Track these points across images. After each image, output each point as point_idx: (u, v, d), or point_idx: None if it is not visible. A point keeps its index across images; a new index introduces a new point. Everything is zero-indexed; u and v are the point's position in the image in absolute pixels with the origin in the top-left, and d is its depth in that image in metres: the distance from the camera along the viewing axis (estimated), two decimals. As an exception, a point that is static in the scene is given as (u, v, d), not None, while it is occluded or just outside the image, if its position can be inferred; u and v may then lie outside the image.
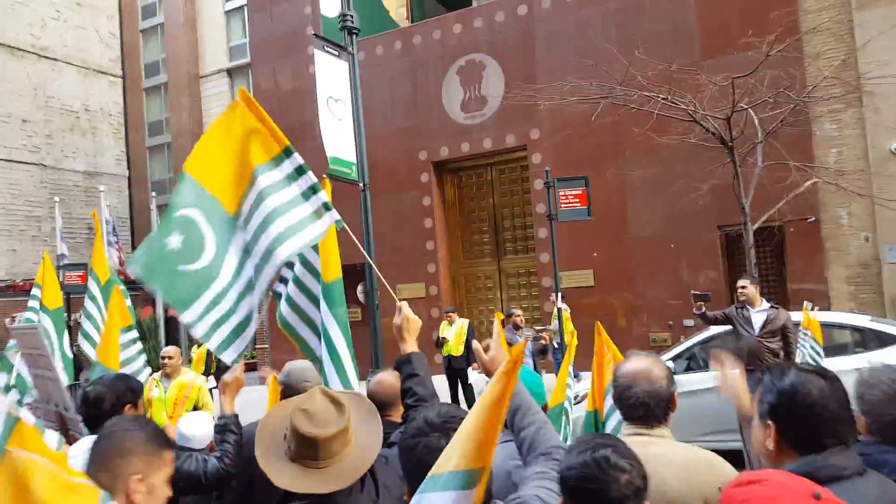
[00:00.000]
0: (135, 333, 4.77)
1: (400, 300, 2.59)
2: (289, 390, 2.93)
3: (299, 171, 2.82)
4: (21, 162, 26.44)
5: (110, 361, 4.17)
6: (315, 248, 3.08)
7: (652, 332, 13.79)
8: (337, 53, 12.00)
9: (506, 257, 16.94)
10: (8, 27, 26.27)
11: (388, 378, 3.02)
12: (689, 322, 12.68)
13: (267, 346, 18.94)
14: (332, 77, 11.97)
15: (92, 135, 29.05)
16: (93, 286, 5.37)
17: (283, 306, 3.31)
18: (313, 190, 2.82)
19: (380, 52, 17.35)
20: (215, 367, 13.04)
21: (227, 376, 2.83)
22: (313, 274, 3.18)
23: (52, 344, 4.96)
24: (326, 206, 2.85)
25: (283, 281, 3.36)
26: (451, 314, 11.22)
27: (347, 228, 2.96)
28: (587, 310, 13.46)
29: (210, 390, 13.21)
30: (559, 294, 10.85)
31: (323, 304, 3.06)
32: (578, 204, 10.22)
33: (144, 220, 26.51)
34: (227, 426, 2.76)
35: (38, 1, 27.38)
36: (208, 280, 2.83)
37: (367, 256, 3.48)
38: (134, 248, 26.86)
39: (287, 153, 2.83)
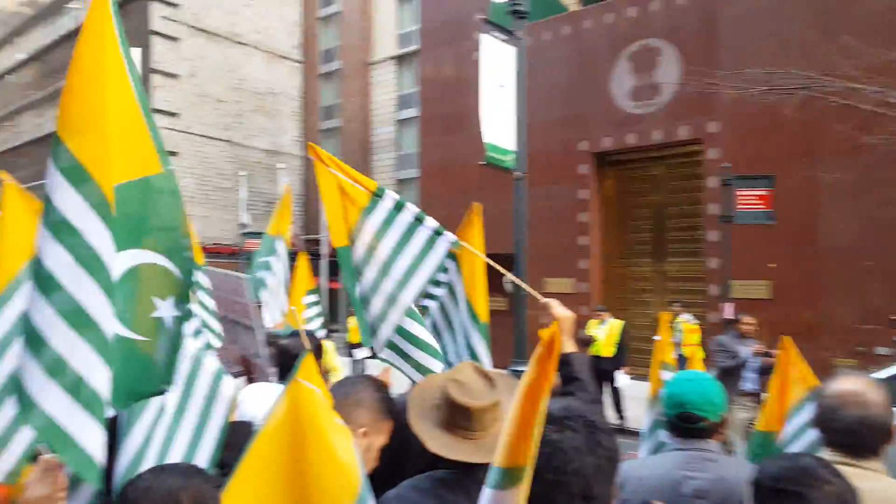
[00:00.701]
0: (315, 297, 5.13)
1: (543, 297, 2.42)
2: None
3: (398, 208, 2.72)
4: (214, 138, 29.32)
5: (292, 321, 4.56)
6: (458, 270, 3.00)
7: (835, 358, 12.10)
8: (505, 38, 11.73)
9: (668, 260, 15.79)
10: (208, 15, 29.08)
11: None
12: (883, 350, 10.95)
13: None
14: (497, 63, 11.72)
15: (274, 116, 31.47)
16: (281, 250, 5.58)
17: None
18: (419, 220, 2.72)
19: (547, 38, 16.80)
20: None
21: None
22: (452, 299, 3.10)
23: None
24: (438, 232, 2.74)
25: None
26: (602, 313, 10.78)
27: (472, 248, 2.80)
28: (759, 326, 12.09)
29: (361, 360, 13.75)
30: (730, 304, 9.81)
31: (480, 341, 2.98)
32: (761, 206, 9.11)
33: (316, 199, 28.25)
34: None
35: (235, -10, 30.08)
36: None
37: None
38: (306, 224, 28.79)
39: (379, 194, 2.73)
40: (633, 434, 7.59)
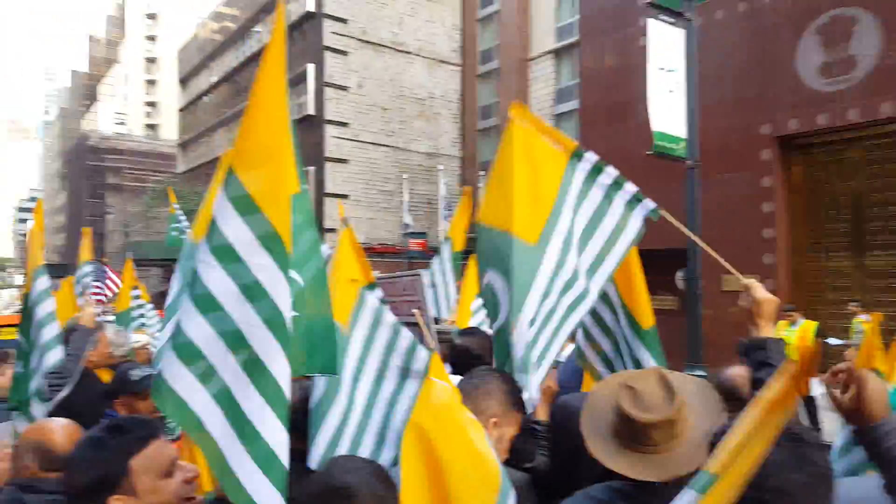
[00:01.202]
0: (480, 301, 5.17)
1: (745, 278, 2.19)
2: None
3: (597, 170, 2.49)
4: (379, 144, 30.86)
5: (462, 320, 4.62)
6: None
7: None
8: (673, 21, 11.07)
9: (871, 253, 13.99)
10: (374, 28, 30.65)
11: (742, 372, 2.52)
12: None
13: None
14: (664, 47, 11.10)
15: (434, 119, 32.45)
16: (445, 252, 5.69)
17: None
18: (618, 185, 2.49)
19: (719, 17, 15.62)
20: None
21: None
22: (607, 305, 2.77)
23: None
24: (637, 198, 2.49)
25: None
26: (792, 313, 9.79)
27: (666, 214, 2.51)
28: None
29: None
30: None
31: (644, 351, 2.66)
32: None
33: (474, 198, 28.68)
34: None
35: (398, 2, 31.37)
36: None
37: (695, 240, 2.90)
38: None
39: (578, 156, 2.50)
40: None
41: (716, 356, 10.94)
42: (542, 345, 2.41)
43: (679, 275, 13.73)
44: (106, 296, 6.62)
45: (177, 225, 6.23)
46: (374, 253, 27.74)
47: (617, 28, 18.40)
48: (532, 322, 2.38)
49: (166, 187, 40.55)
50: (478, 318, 4.91)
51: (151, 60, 70.88)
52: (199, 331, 1.61)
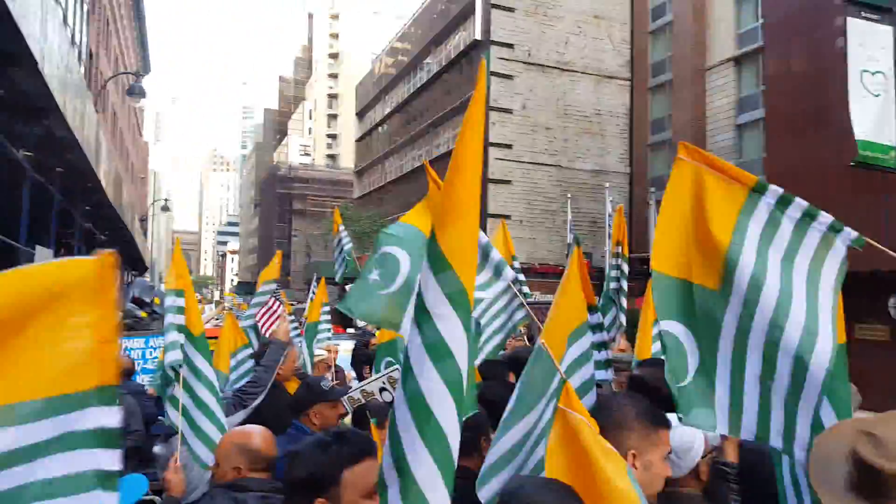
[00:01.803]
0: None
1: None
2: None
3: (784, 202, 2.23)
4: (542, 164, 31.03)
5: (644, 354, 4.26)
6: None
7: None
8: (878, 18, 10.11)
9: None
10: (539, 49, 31.06)
11: None
12: None
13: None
14: (868, 47, 10.15)
15: (600, 136, 32.02)
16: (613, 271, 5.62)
17: None
18: (810, 216, 2.21)
19: (935, 8, 13.93)
20: None
21: None
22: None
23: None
24: (834, 228, 2.19)
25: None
26: None
27: (871, 241, 2.21)
28: None
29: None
30: None
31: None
32: None
33: (642, 215, 27.78)
34: None
35: (564, 21, 31.56)
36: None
37: None
38: (632, 240, 28.47)
39: (759, 189, 2.25)
40: None
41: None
42: (754, 392, 2.20)
43: (891, 302, 12.32)
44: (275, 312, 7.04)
45: (341, 253, 6.48)
46: (535, 273, 27.81)
47: (807, 30, 17.07)
48: (733, 369, 2.22)
49: (343, 212, 43.81)
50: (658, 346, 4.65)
51: (333, 96, 77.35)
52: (398, 396, 1.65)
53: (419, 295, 1.65)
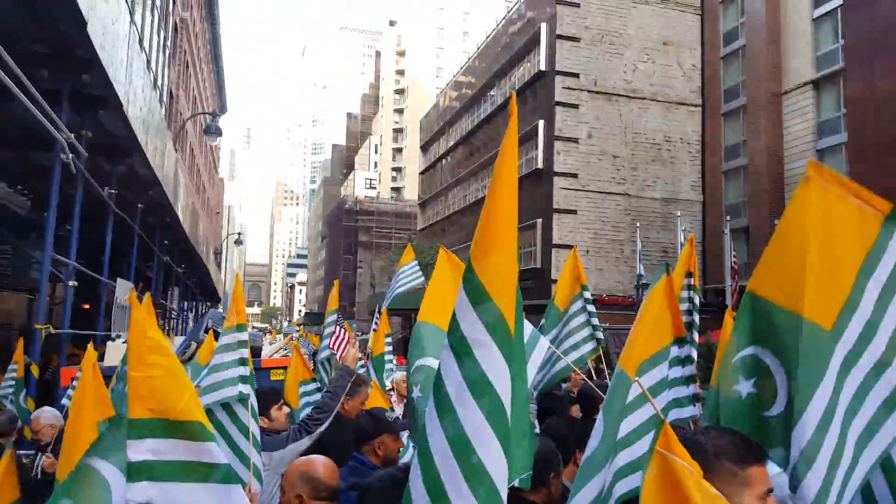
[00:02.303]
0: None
1: None
2: None
3: None
4: (610, 193, 30.50)
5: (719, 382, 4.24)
6: None
7: None
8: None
9: None
10: (606, 78, 30.81)
11: None
12: None
13: None
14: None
15: (671, 164, 31.27)
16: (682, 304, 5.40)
17: None
18: None
19: None
20: None
21: None
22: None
23: None
24: None
25: None
26: None
27: None
28: None
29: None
30: None
31: None
32: None
33: (717, 244, 26.82)
34: None
35: (631, 49, 31.27)
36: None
37: None
38: (705, 270, 27.50)
39: (894, 217, 2.01)
40: None
41: None
42: (832, 446, 1.98)
43: None
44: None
45: (406, 280, 6.67)
46: (603, 304, 27.07)
47: (891, 50, 16.24)
48: (823, 419, 1.99)
49: (406, 243, 44.39)
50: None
51: (398, 130, 79.19)
52: (435, 437, 1.62)
53: (453, 329, 1.65)
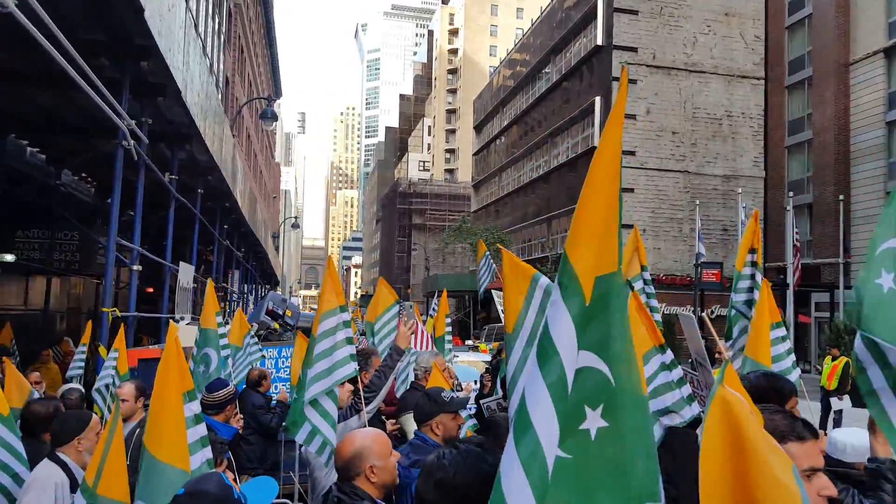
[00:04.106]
0: (783, 331, 4.41)
1: None
2: None
3: None
4: (668, 170, 29.66)
5: (760, 356, 4.01)
6: None
7: None
8: None
9: None
10: (665, 52, 29.82)
11: None
12: None
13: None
14: None
15: (732, 139, 30.14)
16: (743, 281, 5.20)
17: None
18: None
19: None
20: (836, 384, 11.73)
21: None
22: None
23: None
24: None
25: None
26: None
27: None
28: None
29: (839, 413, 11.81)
30: None
31: None
32: None
33: (778, 221, 25.80)
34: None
35: (692, 21, 30.13)
36: None
37: None
38: (766, 248, 26.52)
39: None
40: None
41: None
42: None
43: None
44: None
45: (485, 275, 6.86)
46: (660, 284, 26.49)
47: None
48: None
49: (461, 225, 44.30)
50: (780, 348, 4.20)
51: (451, 112, 78.89)
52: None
53: (546, 327, 1.51)
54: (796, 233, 21.42)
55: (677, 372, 2.61)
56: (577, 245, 1.53)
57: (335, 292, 3.66)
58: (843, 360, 11.95)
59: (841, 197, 23.20)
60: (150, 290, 14.78)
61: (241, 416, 4.79)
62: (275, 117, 17.30)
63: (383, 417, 4.44)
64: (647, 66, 29.59)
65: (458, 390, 5.65)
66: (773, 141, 29.34)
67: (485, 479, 1.62)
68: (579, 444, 1.45)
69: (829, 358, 12.30)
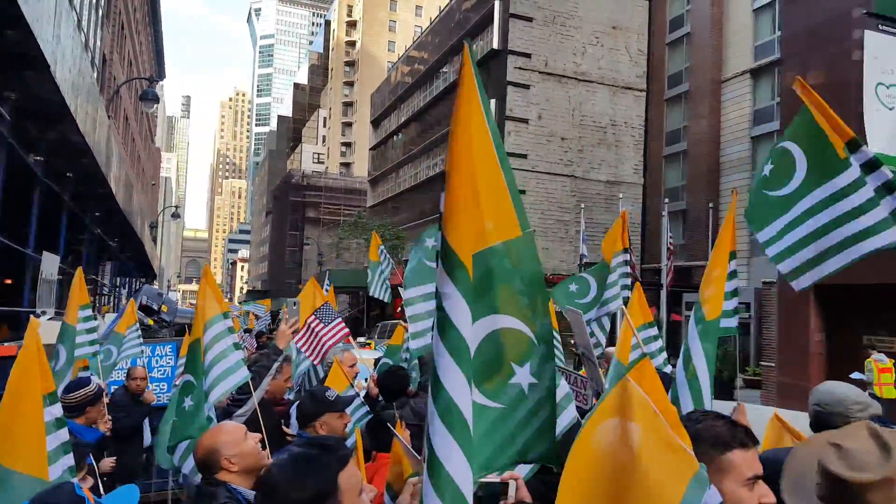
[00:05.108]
0: (654, 330, 4.73)
1: None
2: (823, 418, 2.56)
3: (871, 166, 2.54)
4: (557, 174, 30.90)
5: (623, 356, 4.30)
6: None
7: None
8: (895, 31, 9.92)
9: None
10: (556, 60, 31.00)
11: None
12: None
13: (773, 364, 17.23)
14: (884, 60, 9.98)
15: (616, 147, 31.85)
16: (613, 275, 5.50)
17: None
18: (888, 189, 2.48)
19: (958, 20, 13.72)
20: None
21: None
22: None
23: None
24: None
25: None
26: None
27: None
28: None
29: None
30: None
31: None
32: None
33: (655, 226, 27.58)
34: None
35: (582, 31, 31.50)
36: (787, 205, 2.88)
37: None
38: (644, 251, 28.29)
39: (852, 146, 2.60)
40: None
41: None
42: None
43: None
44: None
45: (382, 274, 6.58)
46: (547, 283, 27.49)
47: (825, 43, 16.88)
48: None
49: (356, 220, 43.84)
50: (652, 347, 4.49)
51: (348, 104, 77.83)
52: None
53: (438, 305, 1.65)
54: (670, 237, 22.94)
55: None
56: (451, 224, 1.64)
57: (216, 299, 3.54)
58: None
59: (711, 205, 25.14)
60: (9, 280, 13.52)
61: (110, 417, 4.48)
62: (156, 99, 16.36)
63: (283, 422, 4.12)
64: (540, 72, 30.64)
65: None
66: (652, 150, 31.30)
67: (316, 490, 1.58)
68: (511, 396, 1.69)
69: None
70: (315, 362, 5.00)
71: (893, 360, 12.45)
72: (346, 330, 4.98)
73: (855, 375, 11.96)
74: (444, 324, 1.60)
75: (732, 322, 3.01)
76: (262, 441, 2.46)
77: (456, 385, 1.57)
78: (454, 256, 1.62)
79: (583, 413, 3.74)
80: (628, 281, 5.37)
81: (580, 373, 3.91)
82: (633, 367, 1.46)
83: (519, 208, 1.75)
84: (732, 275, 2.94)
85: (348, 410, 3.40)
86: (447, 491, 1.51)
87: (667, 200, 25.10)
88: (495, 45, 31.16)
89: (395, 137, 48.61)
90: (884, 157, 9.52)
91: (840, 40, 16.10)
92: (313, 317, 4.93)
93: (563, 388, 2.70)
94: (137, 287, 27.04)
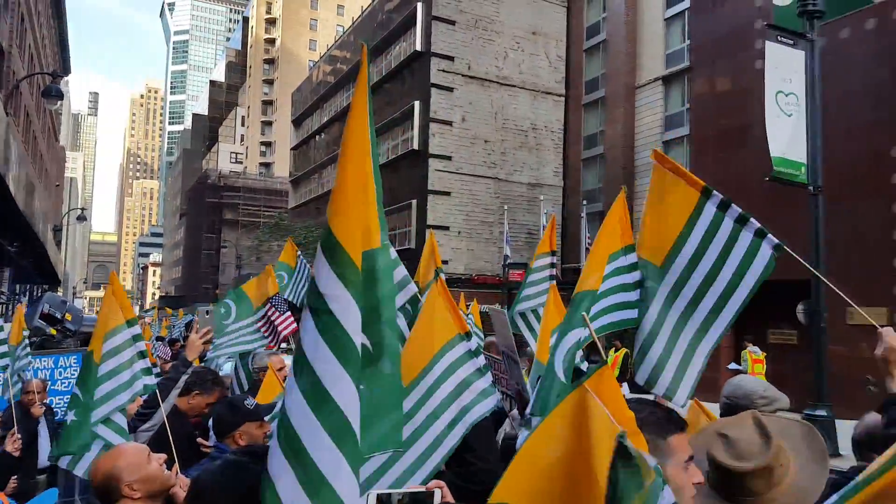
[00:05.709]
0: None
1: (881, 326, 2.17)
2: (731, 411, 2.66)
3: (725, 206, 2.66)
4: (481, 176, 31.27)
5: (542, 356, 4.36)
6: None
7: None
8: (792, 42, 10.65)
9: None
10: (479, 63, 31.37)
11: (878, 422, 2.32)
12: None
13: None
14: (783, 69, 10.69)
15: (537, 150, 32.55)
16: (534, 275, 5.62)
17: None
18: (743, 220, 2.61)
19: (844, 36, 14.88)
20: (618, 372, 13.30)
21: None
22: None
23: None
24: (760, 233, 2.57)
25: None
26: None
27: (787, 249, 2.54)
28: None
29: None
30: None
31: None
32: None
33: (575, 227, 28.38)
34: None
35: (503, 36, 32.01)
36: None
37: (817, 275, 2.95)
38: (563, 251, 29.03)
39: (707, 193, 2.69)
40: None
41: (841, 394, 10.14)
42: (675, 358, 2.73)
43: (800, 307, 12.96)
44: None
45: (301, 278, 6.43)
46: (474, 283, 27.94)
47: (730, 52, 17.91)
48: (653, 331, 2.74)
49: (277, 222, 42.73)
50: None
51: (268, 103, 75.89)
52: (292, 396, 1.60)
53: (311, 286, 1.65)
54: (588, 237, 23.70)
55: (481, 359, 2.71)
56: (338, 218, 1.68)
57: (121, 307, 3.34)
58: (624, 350, 13.43)
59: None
60: None
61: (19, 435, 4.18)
62: (60, 95, 15.44)
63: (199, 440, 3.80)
64: (463, 75, 30.92)
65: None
66: (571, 154, 32.21)
67: (245, 494, 1.54)
68: (371, 380, 1.71)
69: (612, 349, 13.76)
70: (271, 347, 5.01)
71: (765, 353, 13.59)
72: (295, 325, 4.96)
73: (732, 366, 13.18)
74: (331, 328, 1.57)
75: (632, 314, 2.89)
76: (168, 461, 2.29)
77: (346, 396, 1.54)
78: (345, 255, 1.63)
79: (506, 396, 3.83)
80: (551, 283, 5.48)
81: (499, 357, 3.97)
82: (591, 375, 1.39)
83: (382, 221, 1.80)
84: (633, 266, 2.86)
85: (268, 418, 3.30)
86: None
87: (585, 202, 25.97)
88: (418, 47, 31.20)
89: (317, 137, 47.80)
90: (784, 160, 10.16)
91: (744, 50, 17.12)
92: (269, 305, 5.03)
93: (486, 379, 2.70)
94: (39, 294, 25.36)
